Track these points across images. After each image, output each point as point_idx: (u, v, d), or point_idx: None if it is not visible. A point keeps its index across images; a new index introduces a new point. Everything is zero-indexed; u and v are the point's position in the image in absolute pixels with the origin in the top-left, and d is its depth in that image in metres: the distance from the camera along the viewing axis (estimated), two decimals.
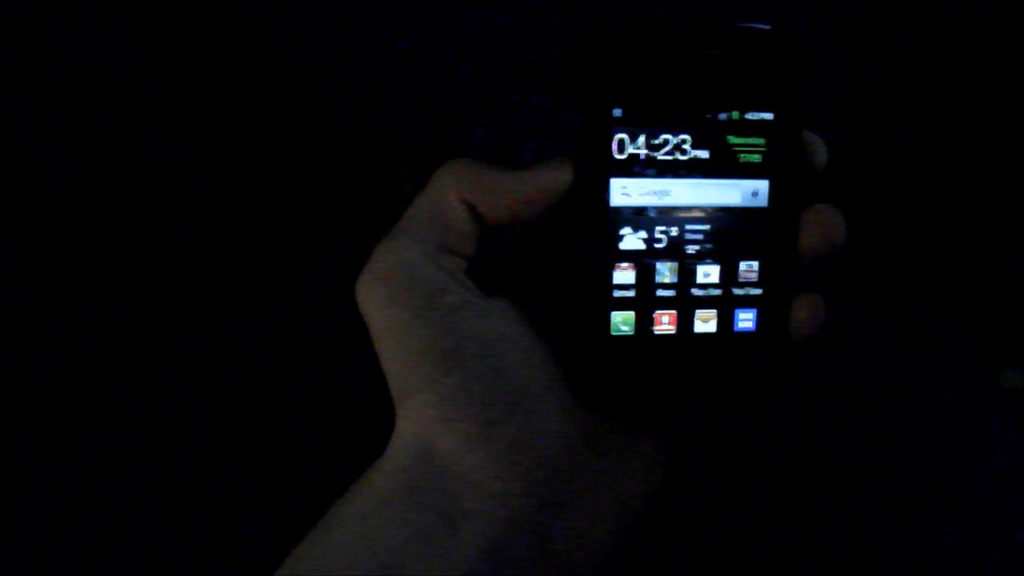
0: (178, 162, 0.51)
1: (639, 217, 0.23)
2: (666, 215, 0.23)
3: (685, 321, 0.24)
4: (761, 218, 0.24)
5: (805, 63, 0.23)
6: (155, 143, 0.50)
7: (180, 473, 0.41)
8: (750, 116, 0.23)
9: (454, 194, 0.24)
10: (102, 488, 0.41)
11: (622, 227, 0.23)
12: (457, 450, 0.22)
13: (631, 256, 0.23)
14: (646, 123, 0.23)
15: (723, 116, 0.23)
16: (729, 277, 0.24)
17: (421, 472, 0.22)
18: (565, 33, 0.47)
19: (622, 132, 0.23)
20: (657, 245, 0.23)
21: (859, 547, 0.36)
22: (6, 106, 0.41)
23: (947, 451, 0.39)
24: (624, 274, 0.23)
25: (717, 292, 0.24)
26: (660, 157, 0.23)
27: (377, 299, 0.23)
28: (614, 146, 0.23)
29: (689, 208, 0.23)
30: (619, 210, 0.23)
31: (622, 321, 0.23)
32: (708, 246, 0.23)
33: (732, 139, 0.23)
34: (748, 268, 0.24)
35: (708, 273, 0.24)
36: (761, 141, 0.23)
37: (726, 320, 0.24)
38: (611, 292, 0.23)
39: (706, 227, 0.23)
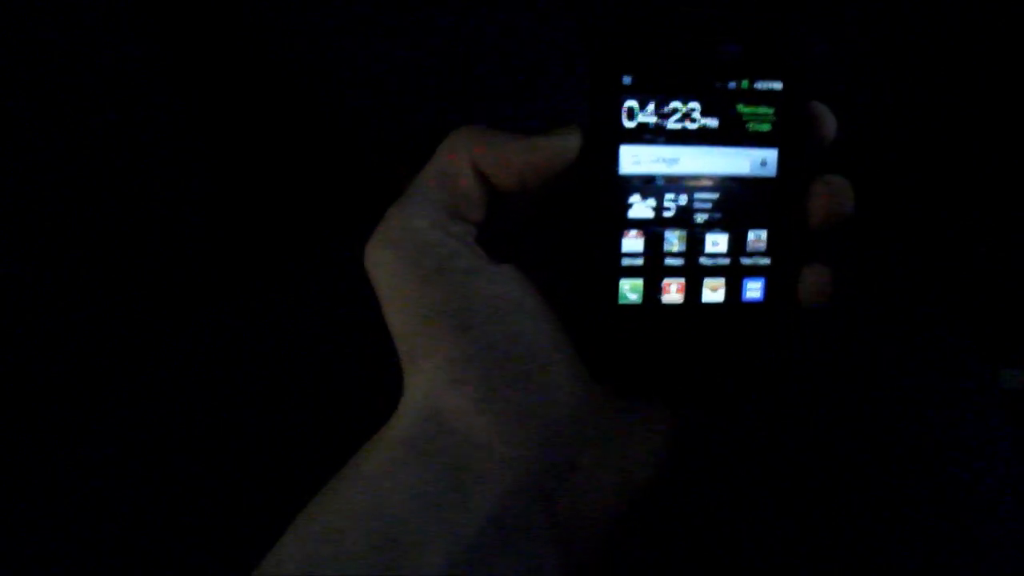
0: (178, 162, 0.51)
1: (648, 185, 0.23)
2: (675, 183, 0.23)
3: (693, 290, 0.24)
4: (769, 188, 0.24)
5: (815, 33, 0.23)
6: (155, 143, 0.50)
7: (180, 473, 0.41)
8: (759, 85, 0.23)
9: (464, 160, 0.24)
10: (102, 488, 0.41)
11: (631, 195, 0.23)
12: (465, 414, 0.22)
13: (640, 224, 0.23)
14: (656, 91, 0.23)
15: (732, 85, 0.23)
16: (737, 246, 0.24)
17: (430, 435, 0.22)
18: (565, 34, 0.47)
19: (632, 100, 0.22)
20: (666, 213, 0.23)
21: (859, 547, 0.36)
22: (6, 106, 0.41)
23: (947, 451, 0.39)
24: (632, 242, 0.23)
25: (725, 261, 0.24)
26: (669, 125, 0.23)
27: (386, 264, 0.23)
28: (624, 114, 0.23)
29: (698, 177, 0.23)
30: (628, 178, 0.23)
31: (630, 289, 0.23)
32: (716, 215, 0.23)
33: (741, 108, 0.23)
34: (756, 238, 0.24)
35: (716, 242, 0.24)
36: (770, 110, 0.23)
37: (734, 289, 0.24)
38: (619, 260, 0.23)
39: (715, 196, 0.23)
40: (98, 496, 0.40)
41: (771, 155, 0.23)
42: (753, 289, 0.24)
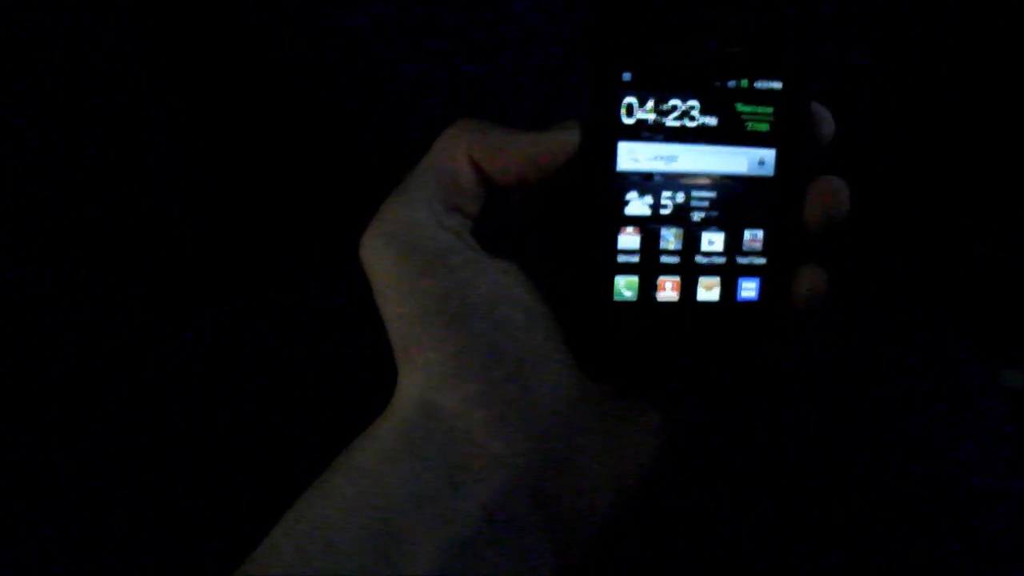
0: (178, 162, 0.51)
1: (645, 182, 0.23)
2: (672, 181, 0.23)
3: (688, 288, 0.24)
4: (767, 187, 0.23)
5: (815, 33, 0.23)
6: (155, 143, 0.50)
7: (180, 473, 0.41)
8: (759, 85, 0.23)
9: (462, 153, 0.24)
10: (102, 488, 0.41)
11: (628, 192, 0.23)
12: (460, 408, 0.22)
13: (636, 221, 0.23)
14: (655, 88, 0.22)
15: (732, 84, 0.23)
16: (733, 245, 0.24)
17: (424, 430, 0.22)
18: (566, 35, 0.47)
19: (631, 96, 0.22)
20: (663, 211, 0.23)
21: (859, 547, 0.36)
22: (6, 106, 0.41)
23: (947, 451, 0.39)
24: (629, 239, 0.23)
25: (721, 260, 0.24)
26: (668, 123, 0.23)
27: (382, 256, 0.23)
28: (622, 110, 0.22)
29: (695, 175, 0.23)
30: (626, 175, 0.23)
31: (625, 286, 0.23)
32: (713, 213, 0.23)
33: (740, 107, 0.23)
34: (753, 237, 0.24)
35: (712, 241, 0.24)
36: (769, 110, 0.23)
37: (729, 289, 0.24)
38: (615, 257, 0.23)
39: (712, 194, 0.23)
40: (98, 496, 0.40)
41: (769, 155, 0.23)
42: (748, 288, 0.24)
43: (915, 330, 0.46)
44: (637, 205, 0.23)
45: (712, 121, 0.23)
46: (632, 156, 0.23)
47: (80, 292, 0.45)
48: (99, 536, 0.38)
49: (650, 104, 0.23)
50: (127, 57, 0.48)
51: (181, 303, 0.51)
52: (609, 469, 0.24)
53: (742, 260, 0.24)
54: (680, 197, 0.23)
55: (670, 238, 0.23)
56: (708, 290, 0.24)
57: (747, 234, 0.24)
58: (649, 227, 0.23)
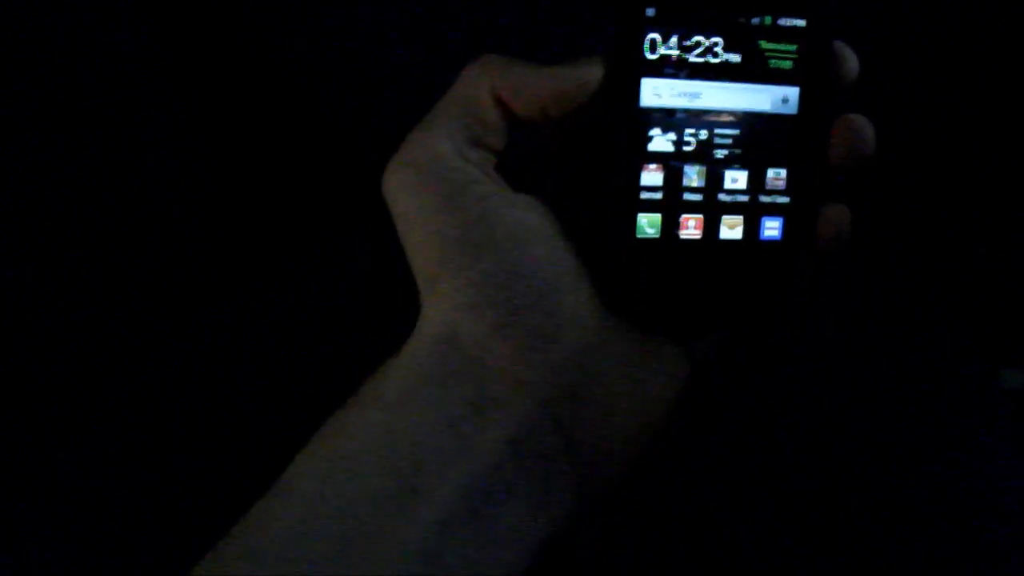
0: (178, 162, 0.51)
1: (669, 119, 0.23)
2: (696, 118, 0.23)
3: (711, 227, 0.24)
4: (790, 125, 0.23)
5: None
6: (155, 143, 0.50)
7: (180, 473, 0.41)
8: (782, 22, 0.23)
9: (485, 88, 0.24)
10: (102, 488, 0.41)
11: (651, 128, 0.23)
12: (483, 337, 0.22)
13: (659, 158, 0.23)
14: (678, 24, 0.22)
15: (755, 20, 0.23)
16: (757, 184, 0.24)
17: (447, 359, 0.22)
18: (566, 35, 0.47)
19: (654, 32, 0.22)
20: (686, 148, 0.23)
21: (859, 547, 0.36)
22: (6, 106, 0.41)
23: (947, 451, 0.39)
24: (652, 176, 0.23)
25: (744, 199, 0.24)
26: (691, 59, 0.23)
27: (406, 187, 0.23)
28: (646, 46, 0.22)
29: (719, 112, 0.23)
30: (649, 111, 0.23)
31: (648, 223, 0.23)
32: (736, 151, 0.23)
33: (764, 44, 0.23)
34: (776, 175, 0.24)
35: (736, 179, 0.23)
36: (793, 47, 0.23)
37: (752, 227, 0.24)
38: (638, 194, 0.23)
39: (735, 132, 0.23)
40: (98, 496, 0.40)
41: (792, 93, 0.23)
42: (771, 228, 0.24)
43: (915, 330, 0.46)
44: (660, 142, 0.23)
45: (735, 58, 0.23)
46: (655, 92, 0.23)
47: (80, 292, 0.45)
48: (99, 536, 0.38)
49: (673, 40, 0.22)
50: (127, 57, 0.48)
51: (181, 303, 0.51)
52: (632, 402, 0.24)
53: (765, 199, 0.24)
54: (703, 134, 0.23)
55: (693, 176, 0.23)
56: (731, 229, 0.24)
57: (770, 172, 0.23)
58: (672, 164, 0.23)
